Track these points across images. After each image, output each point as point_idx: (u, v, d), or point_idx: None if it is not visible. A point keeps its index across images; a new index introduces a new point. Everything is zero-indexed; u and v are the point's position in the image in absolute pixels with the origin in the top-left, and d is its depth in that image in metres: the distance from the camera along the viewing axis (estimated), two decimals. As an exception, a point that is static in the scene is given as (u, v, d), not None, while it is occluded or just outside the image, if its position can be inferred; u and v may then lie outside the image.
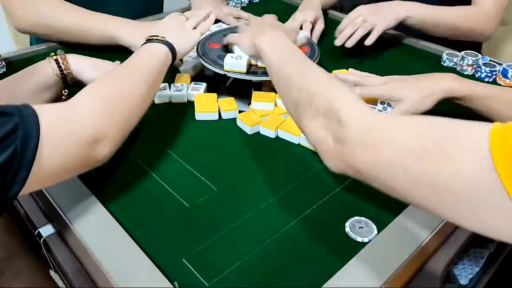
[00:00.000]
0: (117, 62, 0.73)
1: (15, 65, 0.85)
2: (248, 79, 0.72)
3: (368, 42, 0.86)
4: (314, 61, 0.76)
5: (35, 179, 0.40)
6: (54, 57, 0.66)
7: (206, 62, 0.75)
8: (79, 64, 0.68)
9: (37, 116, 0.41)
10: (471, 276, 0.52)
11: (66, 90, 0.68)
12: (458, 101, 0.68)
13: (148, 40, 0.66)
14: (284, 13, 1.16)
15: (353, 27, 0.87)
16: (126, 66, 0.59)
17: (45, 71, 0.65)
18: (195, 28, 0.77)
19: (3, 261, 0.66)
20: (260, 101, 0.71)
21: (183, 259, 0.47)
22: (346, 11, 1.50)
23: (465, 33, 0.93)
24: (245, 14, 1.03)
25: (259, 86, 0.77)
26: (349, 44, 0.87)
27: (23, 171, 0.39)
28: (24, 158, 0.39)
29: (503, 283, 0.66)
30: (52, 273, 0.64)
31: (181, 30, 0.74)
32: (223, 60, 0.72)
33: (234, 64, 0.71)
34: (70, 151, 0.44)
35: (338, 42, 0.88)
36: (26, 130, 0.39)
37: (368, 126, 0.40)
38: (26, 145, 0.39)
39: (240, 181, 0.58)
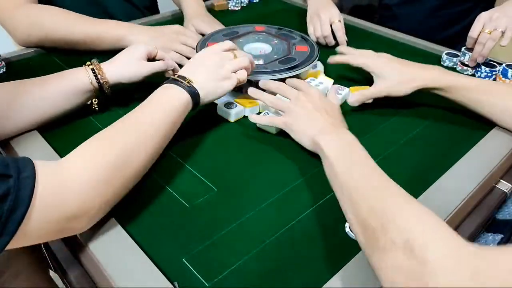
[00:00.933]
0: (160, 64, 0.70)
1: (15, 65, 0.85)
2: (249, 78, 0.72)
3: (504, 43, 0.79)
4: (314, 61, 0.77)
5: (11, 243, 0.38)
6: (90, 66, 0.65)
7: None
8: (115, 74, 0.65)
9: (34, 180, 0.39)
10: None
11: (96, 99, 0.68)
12: (438, 91, 0.68)
13: (173, 80, 0.59)
14: (284, 13, 1.17)
15: (481, 46, 0.80)
16: (137, 116, 0.53)
17: (81, 78, 0.64)
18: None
19: (3, 261, 0.66)
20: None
21: (183, 259, 0.47)
22: (346, 10, 1.51)
23: None
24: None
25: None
26: (480, 60, 0.82)
27: (4, 237, 0.37)
28: (8, 227, 0.37)
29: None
30: (52, 273, 0.64)
31: (215, 75, 0.62)
32: None
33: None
34: (51, 224, 0.41)
35: (471, 64, 0.84)
36: (18, 197, 0.37)
37: (463, 275, 0.30)
38: (13, 213, 0.37)
39: (240, 181, 0.58)
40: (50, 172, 0.42)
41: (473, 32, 0.81)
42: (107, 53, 0.82)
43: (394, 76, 0.68)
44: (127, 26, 0.87)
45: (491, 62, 0.85)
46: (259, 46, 0.82)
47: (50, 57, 0.88)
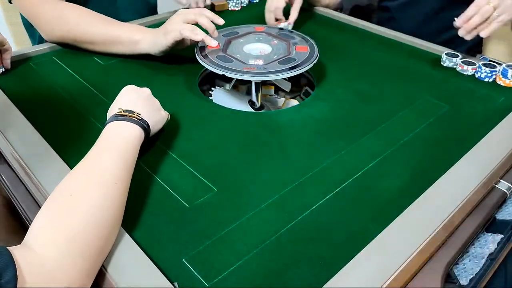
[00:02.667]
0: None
1: (15, 65, 0.85)
2: (248, 79, 0.72)
3: (485, 34, 0.78)
4: (314, 61, 0.77)
5: None
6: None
7: (205, 63, 0.75)
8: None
9: (15, 283, 0.35)
10: (472, 276, 0.52)
11: None
12: None
13: (119, 116, 0.55)
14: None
15: (482, 16, 0.76)
16: (98, 166, 0.48)
17: None
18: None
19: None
20: None
21: (183, 259, 0.47)
22: (346, 10, 1.51)
23: None
24: None
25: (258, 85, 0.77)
26: (469, 37, 0.79)
27: None
28: None
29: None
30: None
31: (155, 108, 0.62)
32: (223, 61, 0.72)
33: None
34: None
35: (460, 28, 0.79)
36: None
37: None
38: None
39: (240, 181, 0.58)
40: (26, 265, 0.37)
41: (477, 5, 0.77)
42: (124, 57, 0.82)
43: None
44: (148, 31, 0.86)
45: (491, 63, 0.85)
46: (259, 47, 0.82)
47: (50, 57, 0.88)
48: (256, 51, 0.80)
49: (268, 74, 0.72)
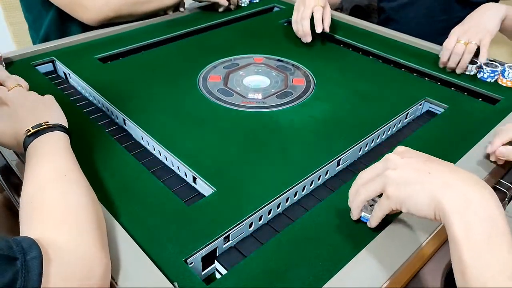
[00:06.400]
0: None
1: (15, 65, 0.86)
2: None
3: (482, 60, 0.84)
4: (311, 93, 0.77)
5: None
6: None
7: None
8: None
9: (41, 259, 0.37)
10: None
11: None
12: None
13: (33, 135, 0.52)
14: (284, 13, 1.16)
15: (458, 56, 0.83)
16: (37, 175, 0.47)
17: None
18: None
19: None
20: None
21: (183, 259, 0.47)
22: (346, 10, 1.51)
23: None
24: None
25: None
26: (459, 71, 0.84)
27: None
28: None
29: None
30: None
31: (42, 103, 0.58)
32: (223, 95, 0.77)
33: None
34: None
35: (448, 68, 0.86)
36: (26, 281, 0.35)
37: None
38: None
39: (240, 181, 0.58)
40: (55, 251, 0.39)
41: (448, 43, 0.84)
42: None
43: None
44: None
45: (493, 63, 0.85)
46: (259, 79, 0.85)
47: (49, 57, 0.88)
48: (256, 84, 0.83)
49: (266, 108, 0.75)
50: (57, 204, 0.44)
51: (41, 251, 0.37)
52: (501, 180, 0.61)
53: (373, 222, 0.48)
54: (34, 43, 1.13)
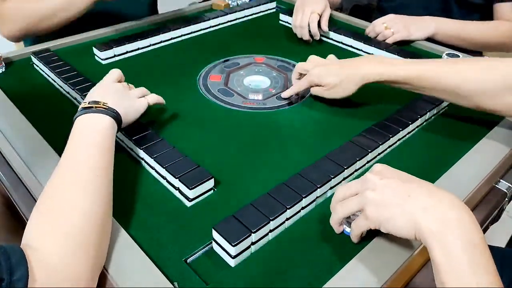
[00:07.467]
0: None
1: (15, 65, 0.85)
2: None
3: (389, 40, 0.96)
4: (308, 95, 0.77)
5: None
6: None
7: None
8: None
9: (27, 280, 0.36)
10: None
11: None
12: (392, 85, 0.66)
13: (85, 108, 0.54)
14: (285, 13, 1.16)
15: (375, 33, 0.98)
16: (71, 162, 0.49)
17: None
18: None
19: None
20: None
21: (183, 259, 0.47)
22: (346, 10, 1.51)
23: (492, 47, 1.03)
24: None
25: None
26: (378, 37, 0.97)
27: None
28: None
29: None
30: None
31: (125, 95, 0.61)
32: (224, 95, 0.76)
33: None
34: None
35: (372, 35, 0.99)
36: None
37: None
38: None
39: (240, 181, 0.58)
40: (40, 271, 0.38)
41: (376, 22, 0.99)
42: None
43: (336, 81, 0.68)
44: None
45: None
46: (259, 79, 0.85)
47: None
48: (256, 84, 0.83)
49: (266, 109, 0.74)
50: (68, 213, 0.43)
51: (28, 268, 0.36)
52: (501, 180, 0.61)
53: (354, 239, 0.48)
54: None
